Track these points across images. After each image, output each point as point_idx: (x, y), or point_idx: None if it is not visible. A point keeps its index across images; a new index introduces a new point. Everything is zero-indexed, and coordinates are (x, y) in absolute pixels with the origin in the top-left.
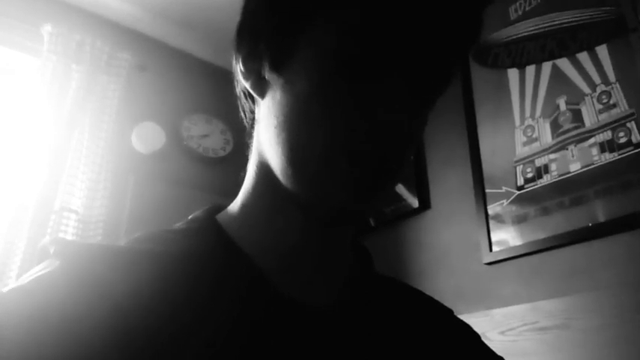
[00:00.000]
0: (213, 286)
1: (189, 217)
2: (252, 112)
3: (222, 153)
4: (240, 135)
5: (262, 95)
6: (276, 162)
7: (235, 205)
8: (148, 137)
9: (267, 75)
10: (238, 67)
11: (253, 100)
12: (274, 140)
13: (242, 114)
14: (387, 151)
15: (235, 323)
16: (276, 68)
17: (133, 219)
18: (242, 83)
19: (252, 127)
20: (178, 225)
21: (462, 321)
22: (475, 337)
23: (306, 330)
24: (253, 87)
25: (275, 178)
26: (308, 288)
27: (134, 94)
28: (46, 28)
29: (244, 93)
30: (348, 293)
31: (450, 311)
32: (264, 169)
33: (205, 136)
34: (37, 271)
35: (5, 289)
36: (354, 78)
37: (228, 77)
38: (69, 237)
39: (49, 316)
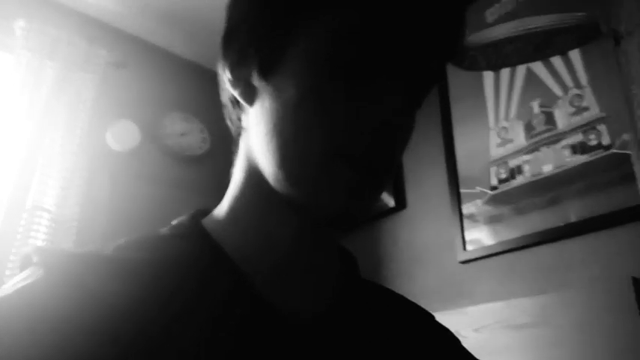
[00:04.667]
0: (199, 293)
1: (174, 223)
2: (240, 119)
3: (199, 151)
4: (218, 134)
5: (251, 103)
6: (268, 168)
7: (222, 211)
8: (123, 135)
9: (256, 82)
10: (225, 75)
11: (241, 108)
12: (265, 147)
13: (228, 122)
14: (384, 152)
15: (217, 330)
16: (265, 75)
17: (108, 218)
18: (229, 91)
19: (239, 135)
20: (163, 230)
21: (442, 326)
22: (455, 341)
23: (287, 340)
24: (242, 95)
25: (267, 185)
26: (295, 296)
27: (110, 91)
28: (19, 23)
29: (232, 101)
30: (334, 301)
31: (432, 316)
32: (254, 175)
33: (183, 134)
34: (20, 280)
35: None
36: (349, 79)
37: (206, 75)
38: (41, 236)
39: (35, 326)
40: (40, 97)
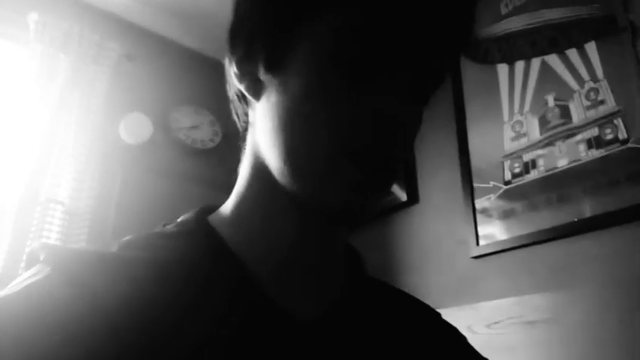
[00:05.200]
0: (203, 291)
1: (180, 220)
2: (246, 114)
3: (210, 144)
4: (229, 127)
5: (258, 97)
6: (275, 164)
7: (228, 207)
8: (136, 128)
9: (263, 76)
10: (232, 70)
11: (247, 103)
12: (271, 142)
13: (235, 117)
14: (389, 148)
15: (220, 328)
16: (272, 69)
17: (120, 210)
18: (236, 86)
19: (245, 130)
20: (169, 227)
21: (449, 324)
22: (462, 340)
23: (291, 338)
24: (248, 89)
25: (273, 180)
26: (299, 294)
27: (122, 84)
28: (32, 17)
29: (238, 96)
30: (339, 299)
31: (438, 314)
32: (261, 171)
33: (194, 127)
34: (28, 277)
35: None
36: (353, 76)
37: (217, 68)
38: (55, 228)
39: (42, 324)
40: (53, 90)
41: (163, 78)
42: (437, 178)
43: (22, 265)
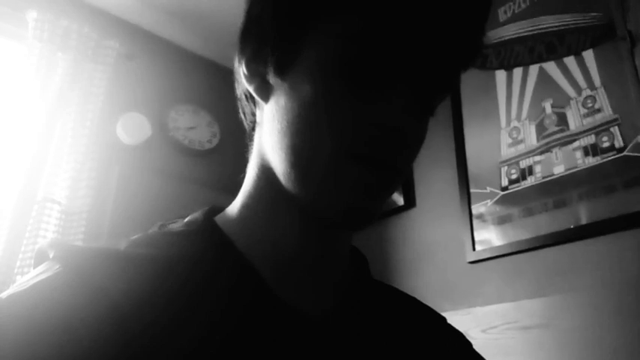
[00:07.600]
0: (204, 285)
1: (187, 219)
2: (254, 114)
3: (208, 145)
4: (227, 128)
5: (266, 99)
6: (280, 166)
7: (235, 207)
8: (133, 128)
9: (272, 79)
10: (241, 70)
11: (255, 103)
12: (278, 145)
13: (242, 116)
14: (392, 154)
15: (222, 320)
16: (281, 73)
17: (117, 210)
18: (244, 86)
19: (253, 129)
20: (177, 226)
21: (455, 329)
22: (467, 345)
23: (297, 335)
24: (257, 91)
25: (277, 182)
26: (304, 293)
27: (121, 83)
28: (32, 14)
29: (246, 95)
30: (343, 300)
31: (443, 319)
32: (266, 172)
33: (192, 128)
34: (36, 274)
35: (4, 294)
36: (358, 83)
37: (217, 69)
38: (51, 227)
39: (51, 322)
40: (51, 88)
41: (162, 78)
42: (434, 183)
43: (19, 264)
